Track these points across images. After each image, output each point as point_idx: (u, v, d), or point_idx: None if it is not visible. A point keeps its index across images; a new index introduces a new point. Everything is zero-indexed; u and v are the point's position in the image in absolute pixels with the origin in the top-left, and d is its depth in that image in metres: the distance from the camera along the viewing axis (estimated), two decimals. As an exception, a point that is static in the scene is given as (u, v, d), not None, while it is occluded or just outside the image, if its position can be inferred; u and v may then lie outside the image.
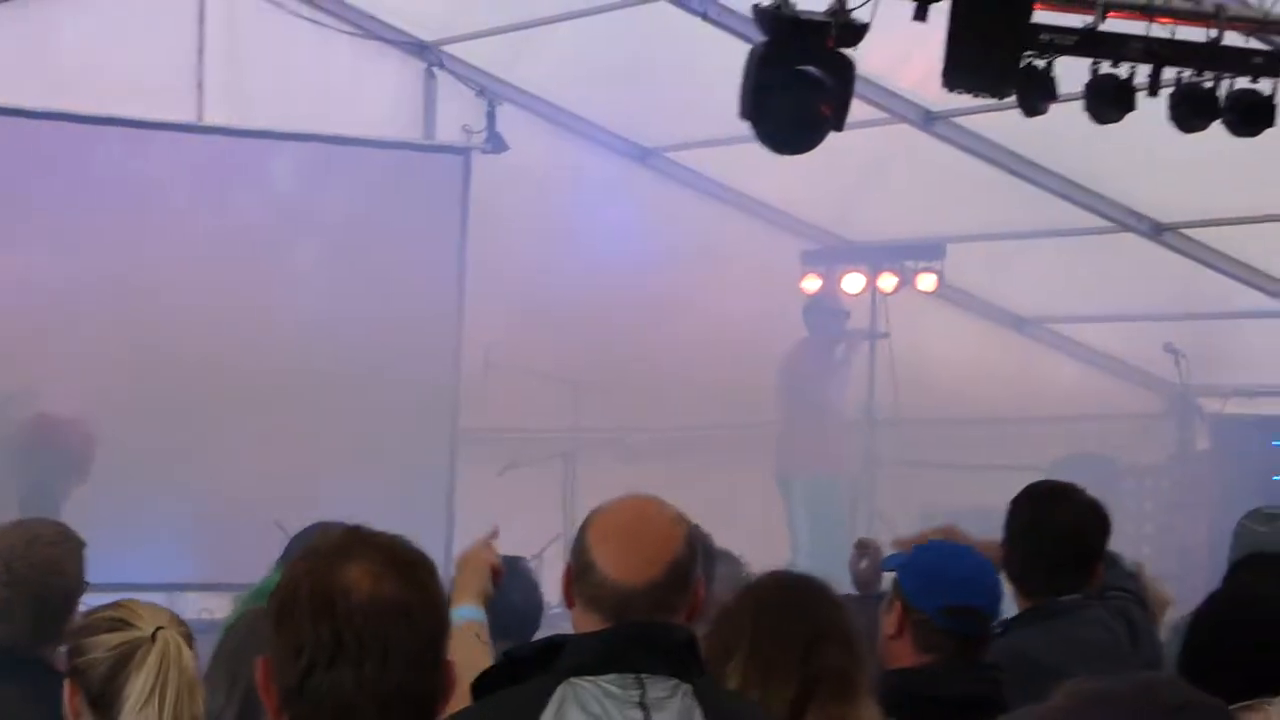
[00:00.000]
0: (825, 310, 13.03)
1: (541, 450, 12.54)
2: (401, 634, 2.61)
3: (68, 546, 4.42)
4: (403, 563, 2.67)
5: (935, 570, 4.41)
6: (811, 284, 13.40)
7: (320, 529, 5.24)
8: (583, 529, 3.54)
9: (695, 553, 3.51)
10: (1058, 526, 5.03)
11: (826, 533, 12.24)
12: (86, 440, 11.16)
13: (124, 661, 3.39)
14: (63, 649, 3.57)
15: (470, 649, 3.97)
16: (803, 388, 12.80)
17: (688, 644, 3.43)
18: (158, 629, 3.42)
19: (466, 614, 4.15)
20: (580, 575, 3.47)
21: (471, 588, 4.26)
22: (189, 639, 3.45)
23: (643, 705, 3.31)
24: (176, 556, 11.46)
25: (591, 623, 3.45)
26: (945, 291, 13.22)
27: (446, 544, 10.78)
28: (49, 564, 4.35)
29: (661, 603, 3.44)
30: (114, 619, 3.46)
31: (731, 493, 11.57)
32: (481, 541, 4.46)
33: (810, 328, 13.01)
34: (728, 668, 3.60)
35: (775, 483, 12.80)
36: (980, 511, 10.62)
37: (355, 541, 2.69)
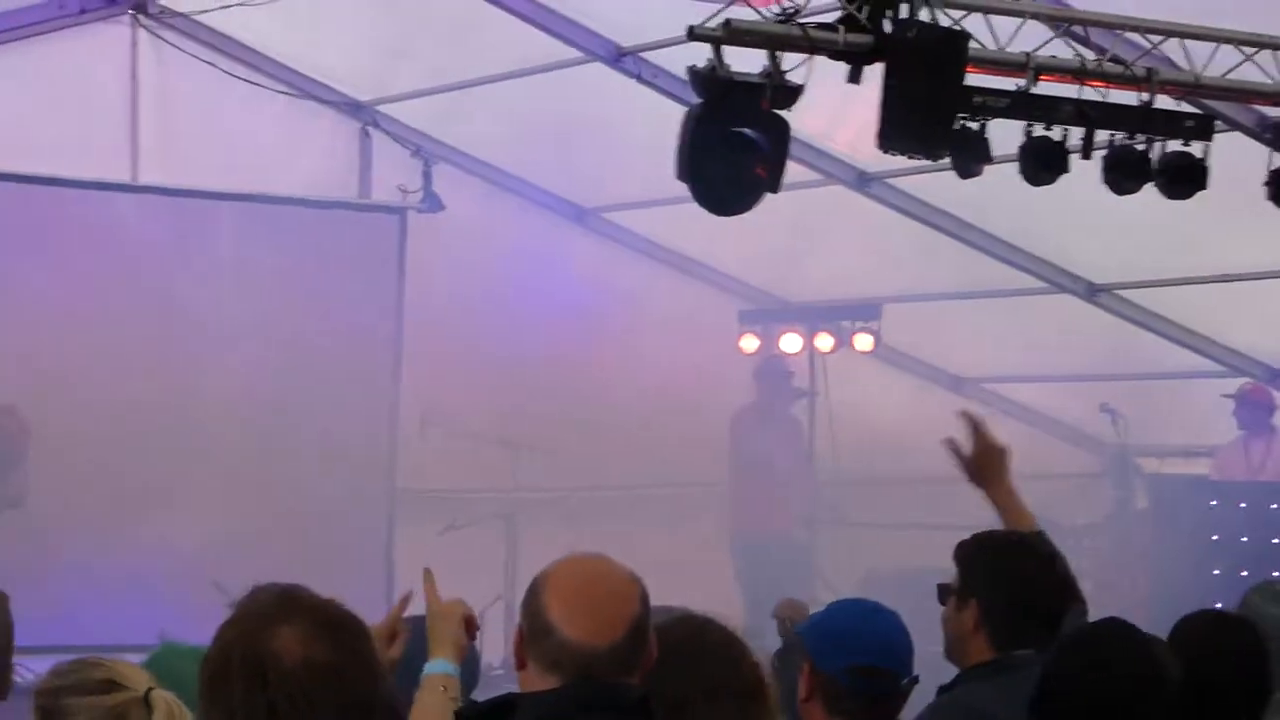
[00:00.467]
0: (775, 372, 13.06)
1: (481, 511, 12.48)
2: (333, 697, 2.56)
3: None
4: (333, 625, 2.64)
5: (840, 630, 4.35)
6: (749, 344, 13.44)
7: (254, 593, 5.21)
8: (535, 590, 3.48)
9: (648, 609, 3.50)
10: (1024, 578, 4.97)
11: (774, 591, 12.22)
12: (21, 427, 11.07)
13: None
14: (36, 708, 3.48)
15: (435, 704, 3.92)
16: (753, 448, 12.81)
17: (641, 701, 3.42)
18: (150, 689, 3.36)
19: (439, 668, 4.08)
20: (536, 638, 3.43)
21: (446, 640, 4.18)
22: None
23: None
24: (115, 618, 11.33)
25: (546, 684, 3.41)
26: (882, 351, 13.27)
27: (386, 605, 10.67)
28: None
29: (623, 662, 3.42)
30: (103, 680, 3.38)
31: (673, 552, 11.52)
32: (452, 601, 4.38)
33: (760, 389, 13.02)
34: None
35: (729, 542, 12.81)
36: (920, 571, 10.65)
37: (285, 605, 2.65)
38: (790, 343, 13.29)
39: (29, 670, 10.32)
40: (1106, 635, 4.24)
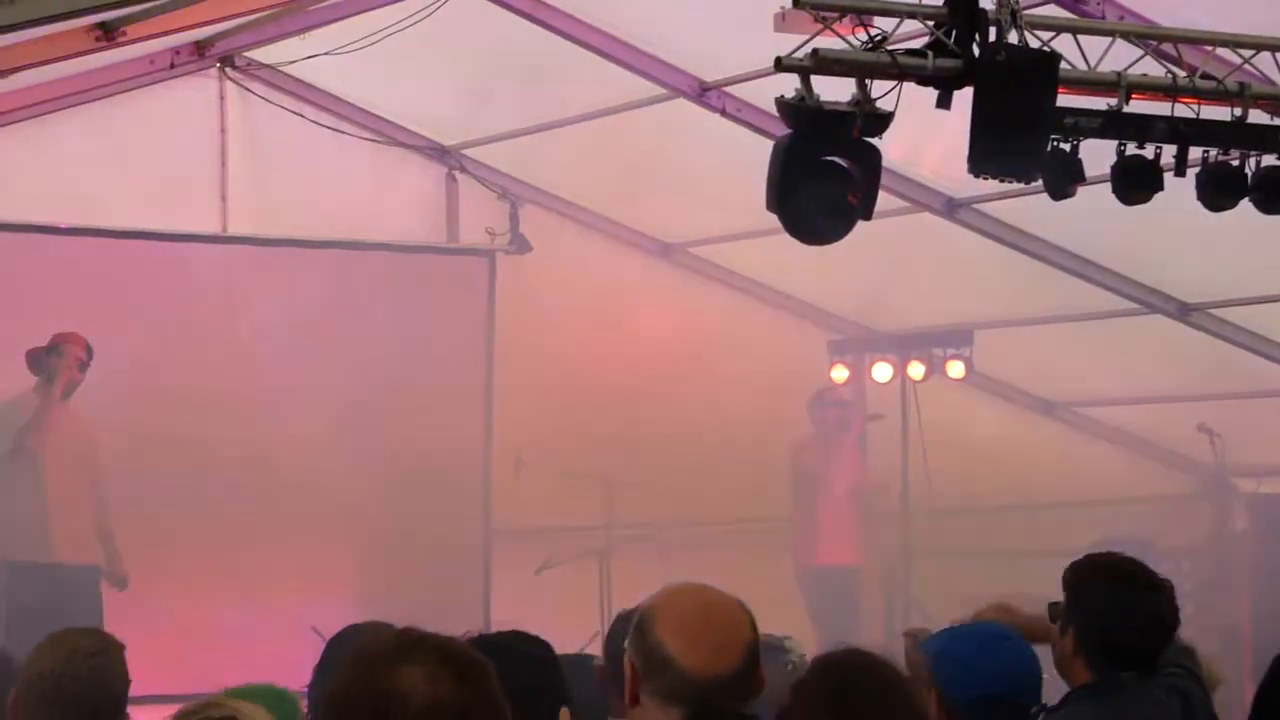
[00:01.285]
0: (827, 403, 13.04)
1: (575, 547, 12.48)
2: None
3: (109, 655, 4.40)
4: (459, 663, 2.60)
5: (969, 659, 4.32)
6: (840, 374, 13.44)
7: (353, 630, 5.24)
8: (646, 625, 3.50)
9: (758, 634, 3.50)
10: (1139, 603, 4.94)
11: (839, 624, 12.22)
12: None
13: None
14: None
15: None
16: (811, 479, 12.80)
17: None
18: None
19: None
20: (653, 671, 3.43)
21: None
22: None
23: None
24: (212, 664, 11.37)
25: (666, 717, 3.41)
26: (974, 378, 13.20)
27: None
28: (95, 676, 4.32)
29: (741, 688, 3.43)
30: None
31: (769, 586, 11.51)
32: None
33: (814, 421, 12.98)
34: None
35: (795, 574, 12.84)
36: (1017, 598, 10.60)
37: (408, 644, 2.61)
38: (881, 372, 13.27)
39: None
40: None
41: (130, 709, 9.86)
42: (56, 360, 10.84)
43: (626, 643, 3.54)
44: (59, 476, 10.86)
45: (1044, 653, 4.82)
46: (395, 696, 2.53)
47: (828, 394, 13.17)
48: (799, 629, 10.41)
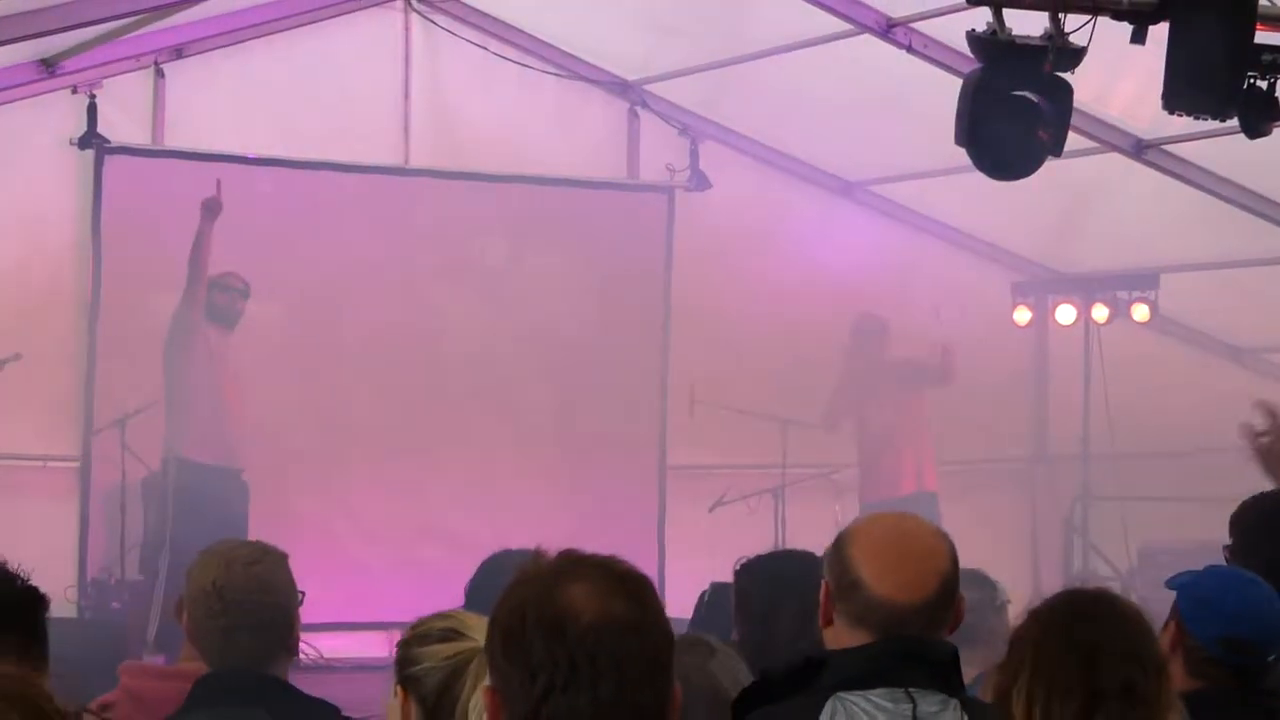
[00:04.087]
0: (867, 329, 12.48)
1: (749, 486, 12.47)
2: (633, 652, 2.54)
3: (269, 561, 4.40)
4: (626, 579, 2.60)
5: (1216, 597, 4.27)
6: (1023, 316, 13.30)
7: (505, 554, 5.27)
8: (841, 546, 3.49)
9: (957, 567, 3.46)
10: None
11: None
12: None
13: (460, 671, 3.39)
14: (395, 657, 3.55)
15: None
16: (858, 416, 12.53)
17: (953, 659, 3.41)
18: None
19: None
20: (844, 593, 3.43)
21: None
22: None
23: (915, 719, 3.27)
24: (384, 592, 11.54)
25: (855, 639, 3.40)
26: (1159, 322, 13.00)
27: (659, 578, 10.77)
28: (257, 584, 4.33)
29: (932, 619, 3.41)
30: (446, 629, 3.47)
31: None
32: None
33: (852, 347, 12.53)
34: (1013, 690, 3.49)
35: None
36: (1197, 544, 10.44)
37: (572, 562, 2.62)
38: (1065, 314, 13.11)
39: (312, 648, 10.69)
40: None
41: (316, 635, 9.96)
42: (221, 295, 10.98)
43: (824, 563, 3.54)
44: (233, 387, 11.02)
45: None
46: (568, 613, 2.54)
47: (867, 319, 12.50)
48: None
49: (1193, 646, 4.15)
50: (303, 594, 4.43)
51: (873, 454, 12.51)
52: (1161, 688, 3.40)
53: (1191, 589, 4.27)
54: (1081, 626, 3.39)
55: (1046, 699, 3.34)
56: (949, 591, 3.46)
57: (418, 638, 3.50)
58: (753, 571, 4.80)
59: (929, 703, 3.33)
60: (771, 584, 4.68)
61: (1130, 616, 3.46)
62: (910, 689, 3.32)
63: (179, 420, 10.80)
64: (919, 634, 3.40)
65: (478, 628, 3.41)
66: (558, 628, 2.53)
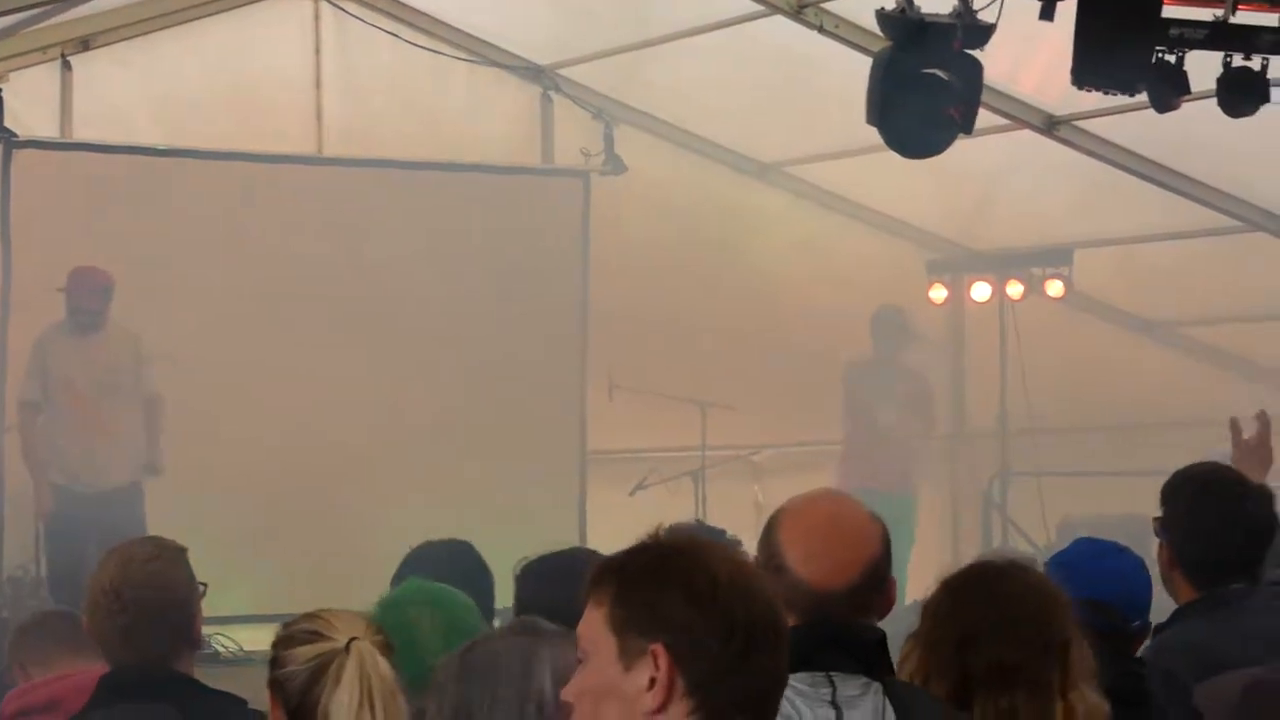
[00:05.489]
0: (887, 322, 12.63)
1: (670, 469, 12.49)
2: (781, 621, 2.63)
3: (167, 558, 4.42)
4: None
5: (1074, 565, 4.33)
6: (938, 294, 13.35)
7: (427, 546, 5.26)
8: (771, 528, 3.47)
9: (889, 550, 3.45)
10: (1232, 513, 4.88)
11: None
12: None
13: (320, 673, 3.38)
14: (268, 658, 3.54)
15: None
16: (862, 402, 12.58)
17: (879, 643, 3.39)
18: (351, 639, 3.40)
19: None
20: (771, 576, 3.41)
21: None
22: (385, 648, 3.42)
23: (834, 704, 3.27)
24: (301, 582, 11.47)
25: None
26: (1073, 298, 13.07)
27: (580, 565, 10.72)
28: (153, 581, 4.34)
29: (859, 604, 3.39)
30: (309, 630, 3.46)
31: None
32: None
33: (874, 340, 12.64)
34: (904, 663, 3.51)
35: None
36: (1116, 519, 10.52)
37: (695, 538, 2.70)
38: (980, 291, 13.18)
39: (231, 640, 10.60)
40: None
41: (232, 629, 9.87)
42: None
43: (758, 544, 3.53)
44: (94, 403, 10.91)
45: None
46: (756, 581, 2.63)
47: (887, 311, 12.65)
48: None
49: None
50: (204, 586, 4.44)
51: (865, 445, 12.49)
52: (1058, 666, 3.42)
53: (1056, 559, 4.34)
54: (971, 605, 3.41)
55: (925, 679, 3.38)
56: (877, 576, 3.42)
57: (283, 640, 3.49)
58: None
59: (850, 687, 3.30)
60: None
61: (1033, 590, 3.47)
62: (831, 673, 3.30)
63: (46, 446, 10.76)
64: (844, 618, 3.38)
65: (341, 627, 3.41)
66: (746, 589, 2.58)
